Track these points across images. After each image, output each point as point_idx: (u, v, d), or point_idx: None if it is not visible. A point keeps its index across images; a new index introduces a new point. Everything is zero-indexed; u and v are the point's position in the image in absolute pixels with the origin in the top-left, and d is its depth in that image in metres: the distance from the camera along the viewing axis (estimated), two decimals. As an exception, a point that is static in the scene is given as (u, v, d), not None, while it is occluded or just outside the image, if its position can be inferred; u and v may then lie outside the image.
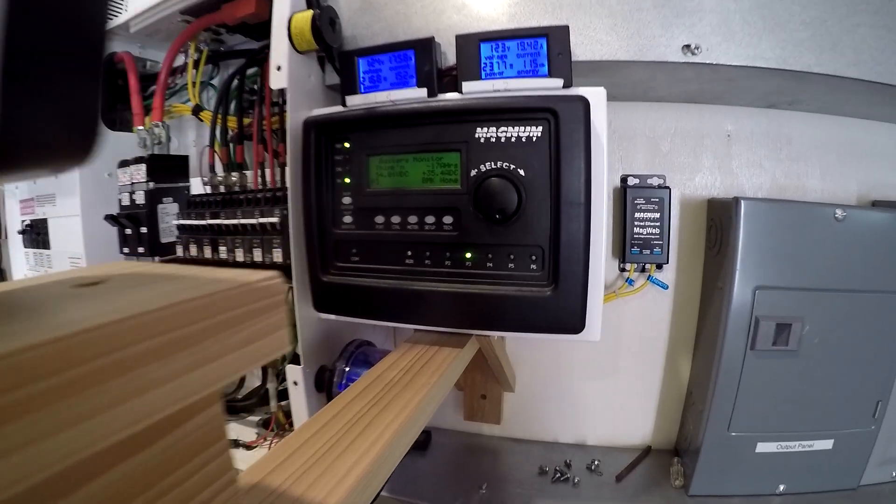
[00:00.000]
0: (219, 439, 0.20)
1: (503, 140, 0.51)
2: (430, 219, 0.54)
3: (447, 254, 0.54)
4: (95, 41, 0.17)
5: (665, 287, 0.71)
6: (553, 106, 0.49)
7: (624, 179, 0.70)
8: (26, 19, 0.14)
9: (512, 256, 0.52)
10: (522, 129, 0.50)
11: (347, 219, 0.57)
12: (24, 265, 1.05)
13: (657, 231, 0.68)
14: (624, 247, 0.68)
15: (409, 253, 0.55)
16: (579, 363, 0.76)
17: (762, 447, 0.68)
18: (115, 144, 0.86)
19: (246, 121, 0.75)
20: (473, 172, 0.51)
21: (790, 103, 0.70)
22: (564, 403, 0.77)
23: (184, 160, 0.82)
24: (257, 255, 0.65)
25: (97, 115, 0.17)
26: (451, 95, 0.55)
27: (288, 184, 0.59)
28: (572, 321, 0.51)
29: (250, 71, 0.76)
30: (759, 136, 0.71)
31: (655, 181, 0.69)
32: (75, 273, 0.22)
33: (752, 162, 0.71)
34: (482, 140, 0.51)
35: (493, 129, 0.51)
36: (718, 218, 0.67)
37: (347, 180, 0.56)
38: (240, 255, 0.66)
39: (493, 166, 0.51)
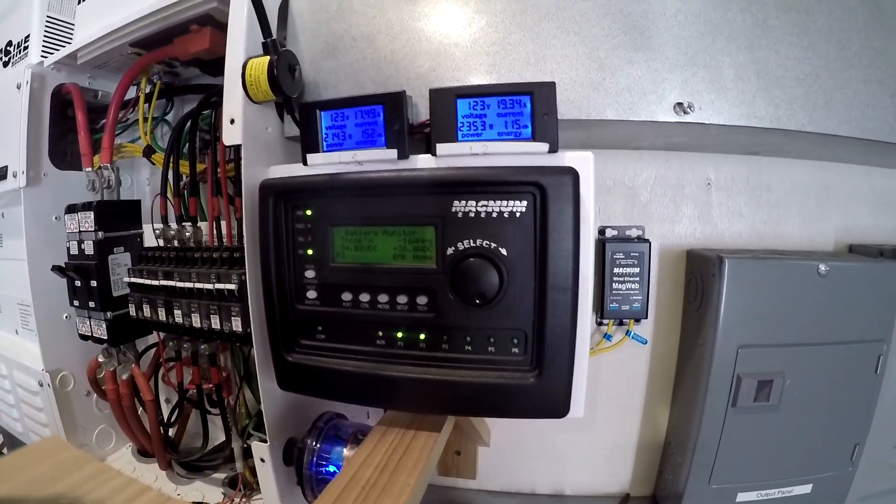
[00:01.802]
0: None
1: (483, 215, 0.42)
2: (402, 298, 0.44)
3: (421, 336, 0.45)
4: None
5: (644, 342, 0.64)
6: (539, 180, 0.40)
7: (602, 231, 0.62)
8: None
9: (492, 340, 0.44)
10: (505, 203, 0.41)
11: (311, 294, 0.47)
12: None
13: (636, 286, 0.60)
14: (602, 301, 0.61)
15: (380, 334, 0.46)
16: (558, 416, 0.68)
17: (742, 496, 0.63)
18: (64, 184, 0.73)
19: (200, 166, 0.63)
20: (450, 251, 0.42)
21: (773, 152, 0.63)
22: (541, 454, 0.70)
23: (135, 205, 0.70)
24: (215, 322, 0.54)
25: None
26: (424, 158, 0.45)
27: (246, 251, 0.49)
28: (557, 407, 0.43)
29: (205, 111, 0.64)
30: (740, 184, 0.64)
31: (634, 232, 0.62)
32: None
33: (732, 210, 0.64)
34: (460, 214, 0.42)
35: (473, 202, 0.42)
36: (699, 272, 0.61)
37: (310, 252, 0.46)
38: (196, 321, 0.56)
39: (472, 244, 0.42)
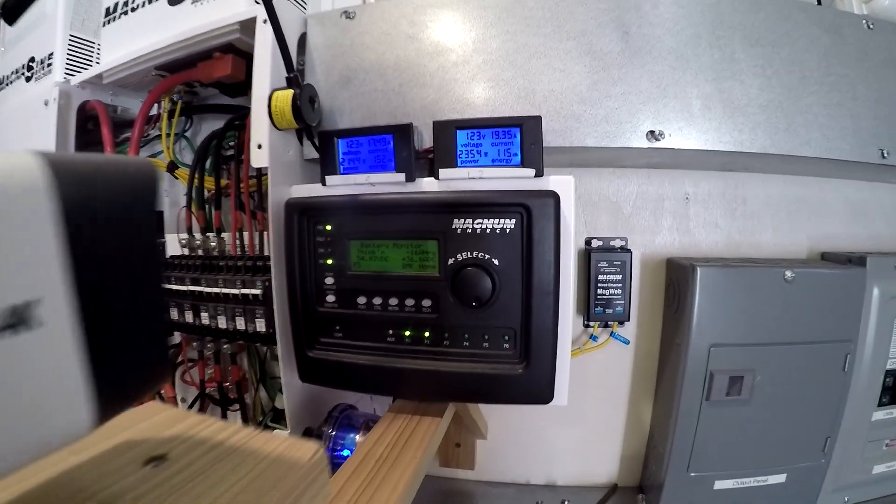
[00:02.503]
0: None
1: (478, 231, 0.54)
2: (409, 301, 0.57)
3: (426, 333, 0.57)
4: (161, 336, 0.21)
5: (626, 342, 0.76)
6: (525, 202, 0.52)
7: (588, 241, 0.75)
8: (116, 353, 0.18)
9: (486, 337, 0.56)
10: (497, 221, 0.54)
11: (330, 298, 0.59)
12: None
13: (619, 292, 0.72)
14: (588, 306, 0.73)
15: (391, 332, 0.58)
16: (548, 410, 0.80)
17: (720, 484, 0.75)
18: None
19: (223, 182, 0.76)
20: (451, 261, 0.55)
21: (745, 169, 0.75)
22: (535, 447, 0.82)
23: (159, 216, 0.82)
24: (240, 324, 0.67)
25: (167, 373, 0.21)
26: (429, 181, 0.58)
27: (272, 260, 0.62)
28: (542, 394, 0.56)
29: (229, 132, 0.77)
30: (716, 198, 0.76)
31: (618, 243, 0.74)
32: (137, 433, 0.25)
33: (708, 222, 0.76)
34: (459, 230, 0.54)
35: (469, 220, 0.54)
36: (676, 278, 0.73)
37: (330, 262, 0.59)
38: (222, 323, 0.68)
39: (470, 256, 0.54)
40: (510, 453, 0.83)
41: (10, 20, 0.38)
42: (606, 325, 0.75)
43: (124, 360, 0.19)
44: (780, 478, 0.76)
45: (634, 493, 0.80)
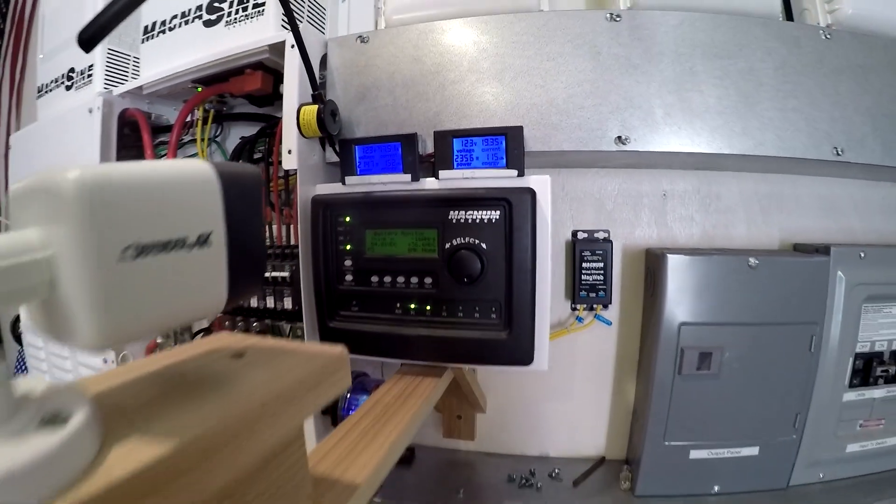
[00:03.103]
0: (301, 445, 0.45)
1: (470, 221, 0.77)
2: (414, 279, 0.80)
3: (427, 306, 0.80)
4: (261, 269, 0.43)
5: (609, 323, 0.98)
6: (508, 196, 0.75)
7: (574, 234, 0.97)
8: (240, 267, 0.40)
9: (477, 308, 0.78)
10: (485, 213, 0.76)
11: (349, 277, 0.83)
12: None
13: (601, 278, 0.94)
14: (574, 290, 0.95)
15: (398, 304, 0.81)
16: (541, 388, 1.02)
17: (695, 454, 0.94)
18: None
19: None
20: (447, 245, 0.77)
21: (719, 168, 0.97)
22: (529, 422, 1.04)
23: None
24: (270, 303, 0.90)
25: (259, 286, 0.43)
26: (430, 181, 0.81)
27: (300, 247, 0.85)
28: (523, 357, 0.78)
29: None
30: (691, 194, 0.98)
31: (601, 235, 0.96)
32: (219, 344, 0.47)
33: (684, 217, 0.98)
34: (454, 221, 0.77)
35: (463, 212, 0.77)
36: (653, 266, 0.94)
37: (349, 247, 0.82)
38: (254, 301, 0.92)
39: (463, 241, 0.77)
40: (507, 426, 1.05)
41: (87, 48, 0.58)
42: (591, 308, 0.96)
43: (243, 270, 0.37)
44: (753, 450, 0.96)
45: (620, 465, 1.01)
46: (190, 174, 0.33)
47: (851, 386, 0.99)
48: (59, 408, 0.26)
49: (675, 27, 0.85)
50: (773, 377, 0.93)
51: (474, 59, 0.86)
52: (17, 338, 1.50)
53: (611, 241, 0.95)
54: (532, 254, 0.75)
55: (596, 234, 0.96)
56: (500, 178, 0.78)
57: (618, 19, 0.85)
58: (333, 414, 0.89)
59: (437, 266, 0.78)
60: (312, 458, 0.59)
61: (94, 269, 0.25)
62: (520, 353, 0.77)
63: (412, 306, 0.80)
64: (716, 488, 0.97)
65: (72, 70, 1.22)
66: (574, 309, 0.97)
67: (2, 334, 1.79)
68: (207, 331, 1.05)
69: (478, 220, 0.77)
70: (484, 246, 0.77)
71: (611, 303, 0.95)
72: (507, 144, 0.78)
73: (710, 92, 0.85)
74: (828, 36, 0.90)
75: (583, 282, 0.95)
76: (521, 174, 0.78)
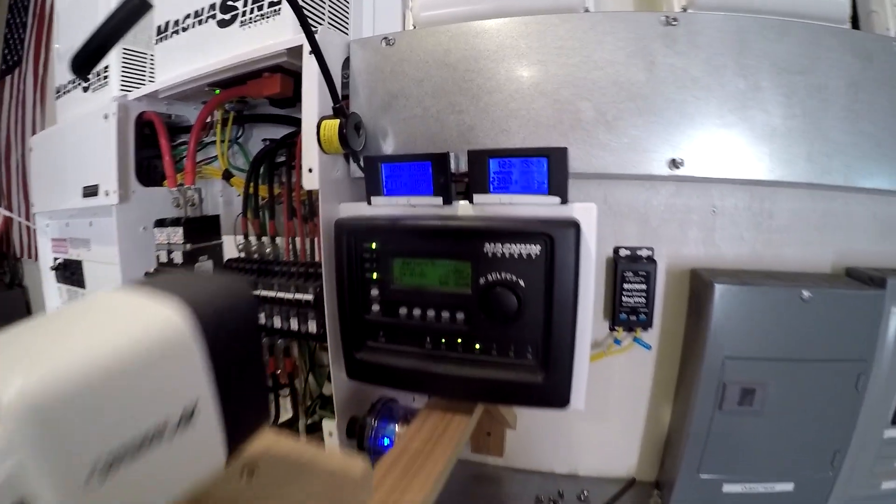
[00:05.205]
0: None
1: (507, 255, 0.66)
2: (445, 314, 0.70)
3: (459, 342, 0.70)
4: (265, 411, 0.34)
5: (648, 347, 0.87)
6: (549, 231, 0.64)
7: (616, 250, 0.85)
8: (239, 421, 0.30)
9: (512, 347, 0.69)
10: (523, 247, 0.65)
11: (375, 307, 0.73)
12: (57, 298, 1.23)
13: (643, 300, 0.83)
14: (614, 311, 0.84)
15: (428, 339, 0.71)
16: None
17: (728, 488, 0.86)
18: (148, 199, 1.02)
19: (276, 190, 0.90)
20: (482, 281, 0.67)
21: (773, 184, 0.84)
22: (559, 439, 0.95)
23: (216, 219, 0.97)
24: (293, 325, 0.81)
25: (267, 417, 0.34)
26: (464, 204, 0.70)
27: (324, 273, 0.75)
28: (560, 400, 0.68)
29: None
30: (742, 211, 0.85)
31: (644, 252, 0.85)
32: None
33: (734, 235, 0.86)
34: (490, 254, 0.66)
35: (499, 245, 0.66)
36: (698, 290, 0.83)
37: (375, 276, 0.72)
38: (277, 322, 0.83)
39: (498, 277, 0.66)
40: (537, 444, 0.96)
41: (82, 73, 0.49)
42: (630, 330, 0.86)
43: (242, 414, 0.30)
44: (788, 486, 0.87)
45: (650, 488, 0.93)
46: (158, 341, 0.23)
47: (894, 422, 0.88)
48: None
49: (737, 33, 0.71)
50: (816, 415, 0.83)
51: (512, 67, 0.73)
52: None
53: (654, 262, 0.83)
54: (574, 293, 0.65)
55: (639, 252, 0.85)
56: (542, 205, 0.67)
57: (674, 23, 0.71)
58: (360, 436, 0.81)
59: (469, 301, 0.68)
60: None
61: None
62: (556, 396, 0.68)
63: (443, 342, 0.71)
64: (748, 521, 0.88)
65: (89, 67, 1.11)
66: (613, 330, 0.86)
67: None
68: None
69: (515, 255, 0.66)
70: (521, 283, 0.66)
71: (651, 326, 0.85)
72: (550, 168, 0.67)
73: (775, 112, 0.72)
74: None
75: (623, 304, 0.84)
76: (564, 201, 0.67)
